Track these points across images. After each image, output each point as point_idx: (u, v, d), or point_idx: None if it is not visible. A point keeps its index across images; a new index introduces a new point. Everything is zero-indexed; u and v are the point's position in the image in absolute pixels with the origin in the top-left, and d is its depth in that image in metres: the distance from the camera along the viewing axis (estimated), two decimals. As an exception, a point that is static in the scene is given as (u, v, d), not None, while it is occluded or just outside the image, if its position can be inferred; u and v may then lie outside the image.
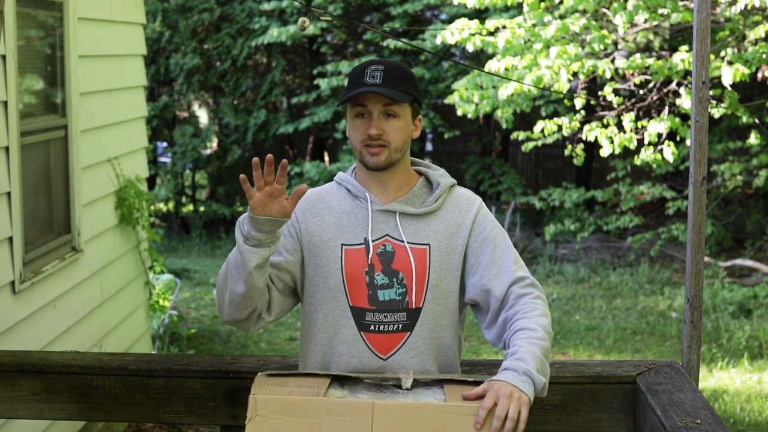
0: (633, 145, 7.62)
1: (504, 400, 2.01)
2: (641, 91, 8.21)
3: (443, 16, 14.07)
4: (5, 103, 4.03)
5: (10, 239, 4.06)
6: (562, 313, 9.10)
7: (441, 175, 2.42)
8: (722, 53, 7.55)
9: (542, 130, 8.09)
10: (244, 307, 2.28)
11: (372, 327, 2.30)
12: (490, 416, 2.01)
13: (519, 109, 8.87)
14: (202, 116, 16.00)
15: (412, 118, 2.35)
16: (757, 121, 8.47)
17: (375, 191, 2.37)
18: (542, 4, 7.65)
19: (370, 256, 2.31)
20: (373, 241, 2.32)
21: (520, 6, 8.58)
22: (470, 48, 7.67)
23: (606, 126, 7.95)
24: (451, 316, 2.36)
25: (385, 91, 2.25)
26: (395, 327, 2.30)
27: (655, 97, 8.12)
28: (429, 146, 15.64)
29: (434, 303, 2.32)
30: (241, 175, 2.15)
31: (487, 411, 2.00)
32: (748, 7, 6.73)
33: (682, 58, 7.10)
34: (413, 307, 2.30)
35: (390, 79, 2.27)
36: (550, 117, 9.98)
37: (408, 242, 2.32)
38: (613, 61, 7.73)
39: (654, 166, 8.52)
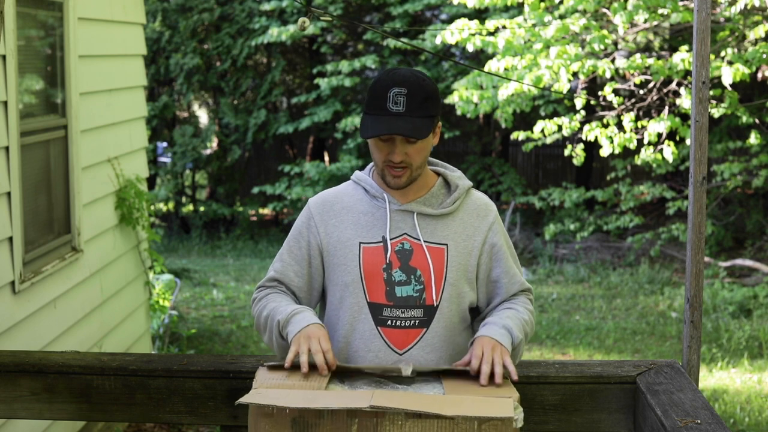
0: (633, 145, 7.61)
1: (489, 350, 2.20)
2: (641, 91, 8.21)
3: (443, 16, 14.07)
4: (5, 103, 4.03)
5: (10, 239, 4.07)
6: (562, 313, 9.10)
7: (459, 177, 2.47)
8: (722, 53, 7.55)
9: (542, 130, 8.09)
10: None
11: (389, 322, 2.33)
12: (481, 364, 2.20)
13: (519, 109, 8.87)
14: (202, 116, 16.00)
15: (432, 132, 2.35)
16: (757, 121, 8.47)
17: (393, 192, 2.40)
18: (542, 4, 7.65)
19: (388, 254, 2.34)
20: (391, 239, 2.36)
21: (520, 6, 8.59)
22: (470, 48, 7.67)
23: (606, 126, 7.94)
24: (464, 315, 2.42)
25: (409, 130, 2.25)
26: (412, 323, 2.34)
27: (655, 97, 8.12)
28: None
29: (450, 301, 2.36)
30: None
31: (478, 359, 2.19)
32: (748, 7, 6.72)
33: (682, 58, 7.10)
34: (430, 304, 2.34)
35: (412, 105, 2.27)
36: (549, 117, 9.99)
37: (426, 241, 2.36)
38: (613, 61, 7.73)
39: (654, 166, 8.52)
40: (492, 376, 2.18)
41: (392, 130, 2.25)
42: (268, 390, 2.12)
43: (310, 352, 2.20)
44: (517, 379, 2.20)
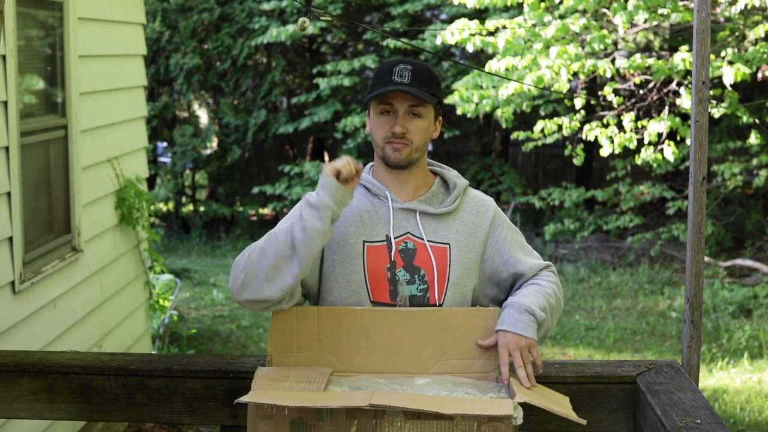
0: (633, 145, 7.62)
1: (516, 353, 2.23)
2: (641, 91, 8.21)
3: (443, 16, 14.07)
4: (5, 103, 4.03)
5: (10, 239, 4.06)
6: (562, 313, 9.09)
7: (456, 176, 2.49)
8: (722, 53, 7.55)
9: (542, 130, 8.09)
10: (283, 288, 2.23)
11: None
12: (511, 368, 2.24)
13: (519, 109, 8.87)
14: (202, 116, 16.00)
15: (433, 119, 2.40)
16: (757, 121, 8.47)
17: (394, 190, 2.41)
18: (542, 4, 7.65)
19: (392, 253, 2.34)
20: (394, 238, 2.36)
21: (520, 6, 8.59)
22: (470, 48, 7.67)
23: (606, 126, 7.95)
24: None
25: (414, 91, 2.29)
26: None
27: (655, 97, 8.12)
28: (429, 146, 15.63)
29: (453, 301, 2.37)
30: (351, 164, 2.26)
31: (507, 365, 2.23)
32: (748, 7, 6.73)
33: (682, 58, 7.10)
34: (433, 303, 2.35)
35: (417, 79, 2.32)
36: (549, 117, 9.98)
37: (429, 240, 2.37)
38: (613, 61, 7.73)
39: (654, 165, 8.52)
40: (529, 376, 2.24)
41: (397, 89, 2.29)
42: (267, 391, 2.11)
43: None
44: (541, 371, 2.26)
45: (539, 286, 2.39)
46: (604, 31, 7.40)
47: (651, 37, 12.71)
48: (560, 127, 8.17)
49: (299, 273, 2.21)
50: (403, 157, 2.35)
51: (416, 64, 2.35)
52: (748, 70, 6.78)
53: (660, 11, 7.30)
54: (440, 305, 2.34)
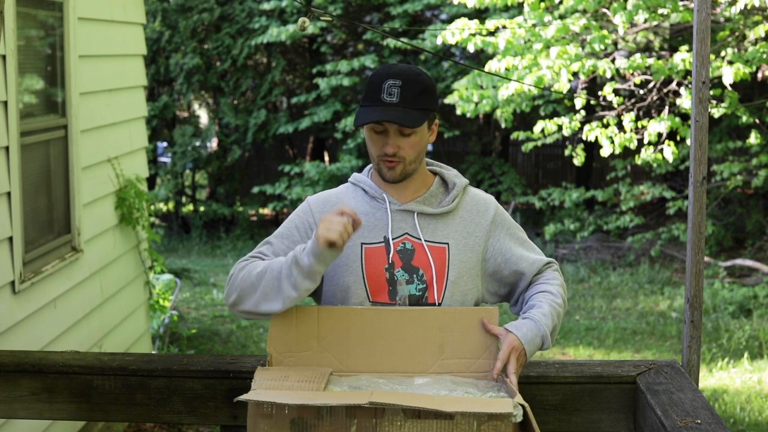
0: (633, 145, 7.61)
1: (514, 360, 2.26)
2: (641, 91, 8.21)
3: (443, 16, 14.07)
4: (5, 103, 4.03)
5: (10, 239, 4.07)
6: (562, 313, 9.10)
7: (455, 176, 2.48)
8: (722, 53, 7.55)
9: (542, 130, 8.09)
10: (272, 313, 2.32)
11: None
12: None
13: (519, 109, 8.87)
14: (202, 116, 16.00)
15: (427, 129, 2.37)
16: (757, 121, 8.47)
17: (392, 192, 2.41)
18: (542, 4, 7.65)
19: (390, 254, 2.35)
20: (392, 239, 2.36)
21: (520, 6, 8.59)
22: (471, 48, 7.67)
23: (606, 126, 7.94)
24: None
25: (401, 118, 2.25)
26: None
27: (655, 97, 8.12)
28: (429, 146, 15.61)
29: (452, 300, 2.36)
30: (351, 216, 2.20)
31: (503, 362, 2.25)
32: (748, 7, 6.72)
33: (682, 58, 7.10)
34: (432, 302, 2.35)
35: (406, 96, 2.27)
36: (549, 117, 9.98)
37: (427, 241, 2.37)
38: (613, 61, 7.73)
39: (654, 165, 8.52)
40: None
41: (383, 118, 2.25)
42: (267, 390, 2.12)
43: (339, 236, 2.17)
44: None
45: (552, 296, 2.40)
46: (604, 31, 7.40)
47: (651, 37, 12.72)
48: (560, 127, 8.16)
49: (286, 308, 2.28)
50: (398, 174, 2.34)
51: (407, 77, 2.29)
52: (748, 70, 6.78)
53: (660, 11, 7.30)
54: (439, 305, 2.34)
